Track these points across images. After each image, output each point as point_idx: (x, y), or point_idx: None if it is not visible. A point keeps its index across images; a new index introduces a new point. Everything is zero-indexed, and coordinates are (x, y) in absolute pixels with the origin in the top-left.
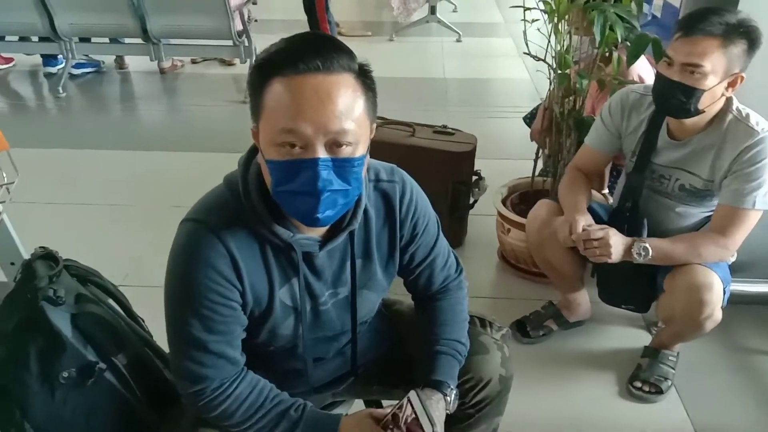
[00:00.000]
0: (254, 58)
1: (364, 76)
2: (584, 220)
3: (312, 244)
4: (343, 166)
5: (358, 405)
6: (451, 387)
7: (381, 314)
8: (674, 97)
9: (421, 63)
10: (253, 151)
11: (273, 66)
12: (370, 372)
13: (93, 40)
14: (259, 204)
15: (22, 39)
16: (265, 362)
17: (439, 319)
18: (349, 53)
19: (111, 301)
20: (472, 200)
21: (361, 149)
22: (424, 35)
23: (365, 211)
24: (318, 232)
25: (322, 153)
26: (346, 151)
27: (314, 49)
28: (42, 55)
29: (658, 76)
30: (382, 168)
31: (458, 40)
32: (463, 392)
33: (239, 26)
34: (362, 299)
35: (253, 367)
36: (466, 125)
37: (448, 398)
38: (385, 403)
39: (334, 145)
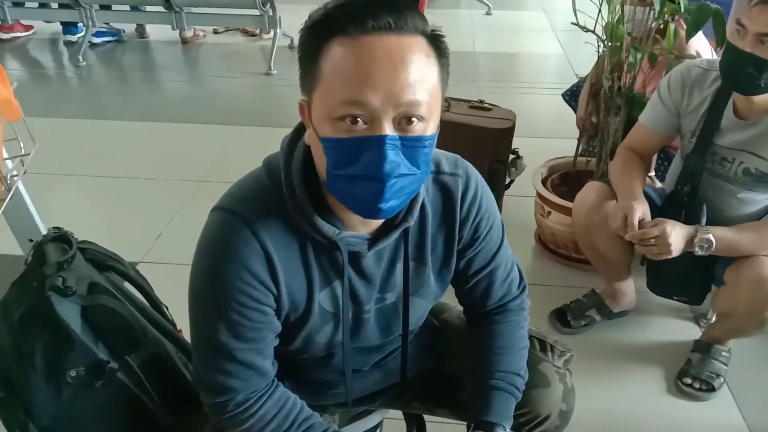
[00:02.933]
0: (278, 29)
1: (437, 40)
2: (641, 208)
3: (360, 243)
4: (413, 146)
5: (391, 414)
6: (506, 429)
7: (427, 325)
8: (744, 70)
9: (450, 36)
10: (299, 130)
11: (334, 23)
12: (410, 388)
13: (114, 7)
14: (302, 194)
15: (41, 5)
16: (299, 371)
17: (495, 346)
18: (421, 14)
19: (131, 288)
20: (508, 180)
21: (432, 126)
22: (453, 8)
23: (422, 207)
24: (368, 229)
25: (389, 130)
26: (417, 128)
27: (385, 4)
28: (62, 23)
29: (729, 47)
30: (444, 158)
31: (488, 13)
32: (515, 426)
33: None
34: (412, 307)
35: (287, 377)
36: (498, 101)
37: None
38: (426, 418)
39: (403, 119)
